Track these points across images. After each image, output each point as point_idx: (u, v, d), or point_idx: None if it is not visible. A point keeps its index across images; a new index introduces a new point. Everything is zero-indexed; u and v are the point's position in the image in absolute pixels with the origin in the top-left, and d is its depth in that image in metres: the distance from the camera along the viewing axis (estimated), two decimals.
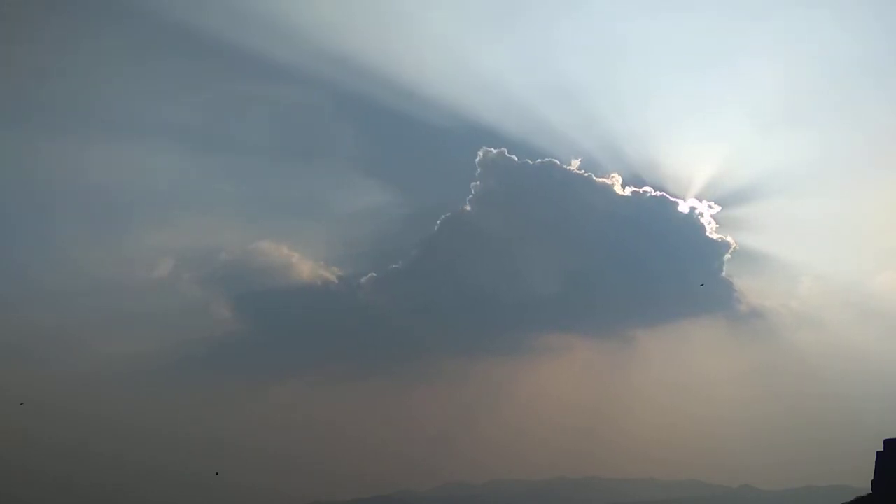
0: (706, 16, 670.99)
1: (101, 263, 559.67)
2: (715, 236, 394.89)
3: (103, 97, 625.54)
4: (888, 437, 78.22)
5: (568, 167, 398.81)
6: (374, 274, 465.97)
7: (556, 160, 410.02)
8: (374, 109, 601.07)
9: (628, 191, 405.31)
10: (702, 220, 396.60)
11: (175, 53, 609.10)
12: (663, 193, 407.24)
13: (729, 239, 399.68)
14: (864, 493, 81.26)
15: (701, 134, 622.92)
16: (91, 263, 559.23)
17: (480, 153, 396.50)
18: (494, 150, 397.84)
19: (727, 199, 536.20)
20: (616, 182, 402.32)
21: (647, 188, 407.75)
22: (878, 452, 78.25)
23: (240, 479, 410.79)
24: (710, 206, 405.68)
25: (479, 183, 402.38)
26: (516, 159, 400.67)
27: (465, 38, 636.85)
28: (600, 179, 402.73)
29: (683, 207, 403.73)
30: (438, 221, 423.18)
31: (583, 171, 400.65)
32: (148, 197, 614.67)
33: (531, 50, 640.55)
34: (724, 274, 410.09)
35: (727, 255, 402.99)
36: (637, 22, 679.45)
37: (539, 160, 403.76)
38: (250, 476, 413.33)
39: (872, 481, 78.67)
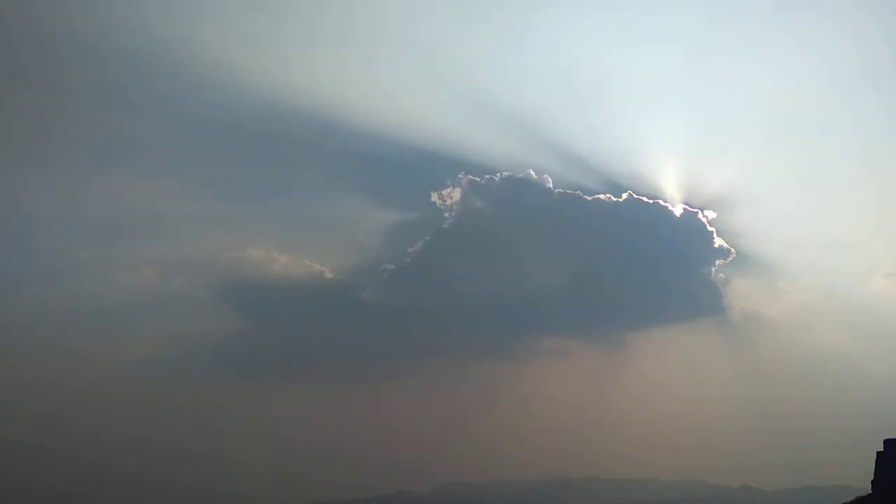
0: (686, 35, 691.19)
1: (104, 274, 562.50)
2: (710, 242, 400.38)
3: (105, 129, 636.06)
4: (888, 437, 78.44)
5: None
6: (374, 277, 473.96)
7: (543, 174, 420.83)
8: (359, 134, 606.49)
9: (622, 197, 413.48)
10: (696, 226, 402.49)
11: (172, 98, 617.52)
12: (656, 200, 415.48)
13: (723, 245, 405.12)
14: (864, 493, 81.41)
15: (692, 143, 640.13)
16: (94, 274, 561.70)
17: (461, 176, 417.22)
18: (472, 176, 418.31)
19: (720, 207, 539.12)
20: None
21: (643, 196, 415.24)
22: (878, 452, 78.46)
23: (240, 479, 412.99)
24: (703, 213, 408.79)
25: (458, 204, 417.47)
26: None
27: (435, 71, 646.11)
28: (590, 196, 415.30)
29: (677, 214, 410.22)
30: (431, 233, 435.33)
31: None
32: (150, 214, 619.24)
33: (507, 77, 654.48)
34: (719, 278, 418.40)
35: (721, 261, 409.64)
36: (613, 52, 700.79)
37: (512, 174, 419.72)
38: (250, 476, 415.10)
39: (872, 481, 78.85)
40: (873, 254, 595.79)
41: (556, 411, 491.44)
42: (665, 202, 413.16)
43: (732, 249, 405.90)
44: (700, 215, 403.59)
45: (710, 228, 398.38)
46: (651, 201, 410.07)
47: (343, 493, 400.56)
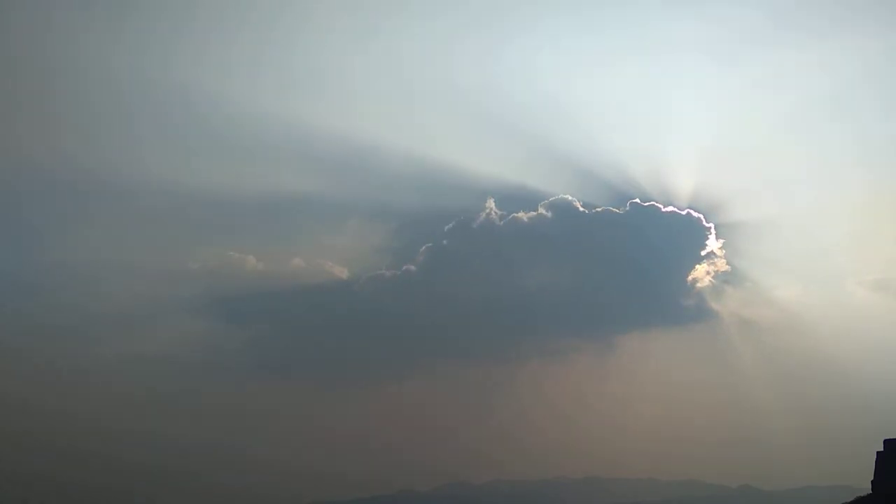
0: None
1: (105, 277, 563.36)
2: (704, 246, 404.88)
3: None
4: (888, 437, 78.62)
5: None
6: (377, 277, 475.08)
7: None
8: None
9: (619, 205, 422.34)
10: (689, 230, 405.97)
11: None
12: (652, 203, 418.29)
13: (718, 249, 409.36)
14: (864, 493, 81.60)
15: (684, 147, 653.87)
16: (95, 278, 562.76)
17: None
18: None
19: (713, 211, 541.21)
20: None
21: (636, 200, 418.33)
22: (878, 452, 78.64)
23: (240, 480, 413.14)
24: (697, 218, 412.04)
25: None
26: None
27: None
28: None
29: (670, 218, 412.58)
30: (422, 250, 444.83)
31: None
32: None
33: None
34: (715, 281, 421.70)
35: (717, 265, 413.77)
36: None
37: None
38: (250, 476, 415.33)
39: (872, 481, 79.02)
40: (845, 263, 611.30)
41: (555, 411, 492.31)
42: (658, 204, 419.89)
43: (722, 254, 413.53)
44: (692, 220, 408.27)
45: (715, 240, 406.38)
46: (650, 203, 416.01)
47: (343, 493, 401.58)
